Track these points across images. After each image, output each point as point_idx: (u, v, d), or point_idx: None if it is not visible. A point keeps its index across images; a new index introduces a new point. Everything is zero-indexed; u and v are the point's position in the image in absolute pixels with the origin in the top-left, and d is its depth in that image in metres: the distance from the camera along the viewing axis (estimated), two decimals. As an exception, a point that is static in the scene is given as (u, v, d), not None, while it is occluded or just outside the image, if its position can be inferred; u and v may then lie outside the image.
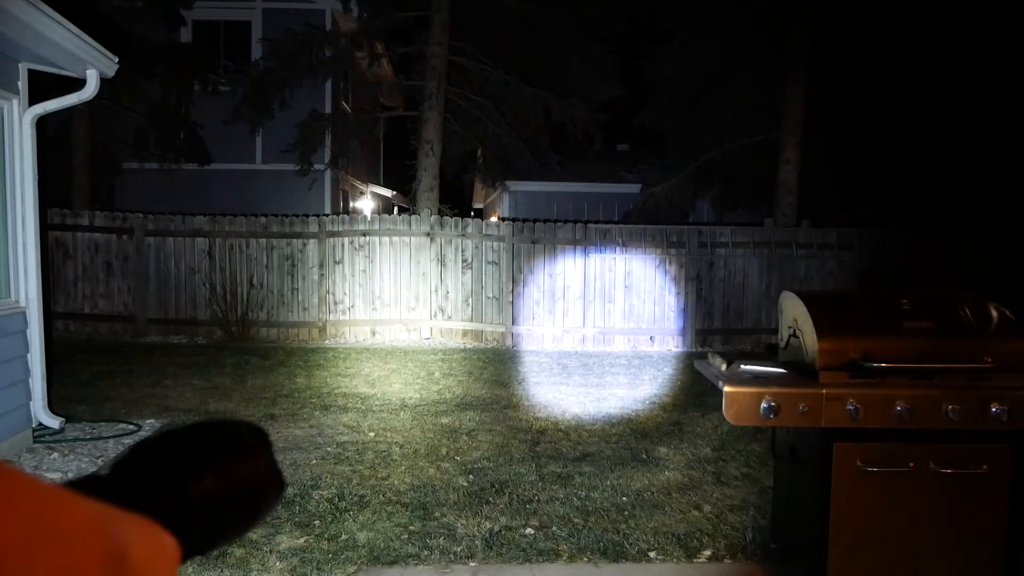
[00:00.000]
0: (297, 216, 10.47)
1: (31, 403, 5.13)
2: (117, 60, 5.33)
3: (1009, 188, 11.30)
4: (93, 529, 0.43)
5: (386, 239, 10.26)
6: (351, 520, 3.77)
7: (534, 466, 4.72)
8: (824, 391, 2.53)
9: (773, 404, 2.52)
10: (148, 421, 5.70)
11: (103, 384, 6.98)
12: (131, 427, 5.50)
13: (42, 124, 5.44)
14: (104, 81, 5.32)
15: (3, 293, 4.97)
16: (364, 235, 10.23)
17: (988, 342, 2.60)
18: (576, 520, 3.83)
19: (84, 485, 0.51)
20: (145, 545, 0.47)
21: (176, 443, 0.58)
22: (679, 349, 9.97)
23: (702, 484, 4.42)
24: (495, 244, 10.10)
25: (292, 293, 10.17)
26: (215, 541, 0.57)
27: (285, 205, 13.08)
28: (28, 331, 5.13)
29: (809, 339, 2.66)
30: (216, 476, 0.56)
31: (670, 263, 10.13)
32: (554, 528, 3.73)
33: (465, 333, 10.23)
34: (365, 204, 18.96)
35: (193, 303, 10.11)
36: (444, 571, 3.27)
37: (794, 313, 2.83)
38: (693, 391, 7.01)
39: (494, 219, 15.54)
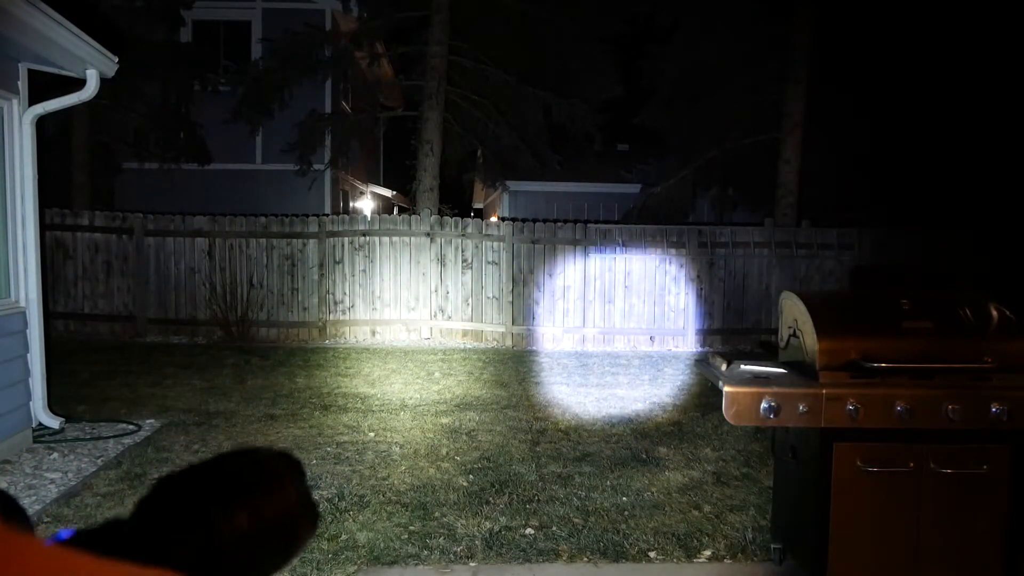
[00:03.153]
0: (297, 216, 10.47)
1: (31, 403, 5.13)
2: (117, 60, 5.33)
3: (1008, 188, 11.29)
4: None
5: (386, 239, 10.26)
6: (351, 520, 3.77)
7: (534, 466, 4.72)
8: (824, 391, 2.53)
9: (773, 404, 2.52)
10: (148, 421, 5.70)
11: (103, 384, 6.98)
12: (131, 427, 5.50)
13: (42, 124, 5.44)
14: (104, 81, 5.32)
15: (3, 293, 4.97)
16: (364, 235, 10.23)
17: (988, 342, 2.60)
18: (576, 520, 3.83)
19: (106, 533, 0.49)
20: None
21: (205, 478, 0.54)
22: (679, 349, 9.96)
23: (702, 484, 4.41)
24: (495, 244, 10.10)
25: (292, 293, 10.17)
26: None
27: (285, 205, 13.08)
28: (28, 331, 5.13)
29: (809, 339, 2.66)
30: (249, 513, 0.52)
31: (670, 263, 10.13)
32: (554, 528, 3.73)
33: (465, 333, 10.23)
34: (365, 204, 18.96)
35: (193, 303, 10.10)
36: (444, 571, 3.27)
37: (794, 313, 2.83)
38: (693, 391, 7.01)
39: (494, 219, 15.55)
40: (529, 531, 3.68)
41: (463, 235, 10.22)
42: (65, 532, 0.48)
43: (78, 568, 0.41)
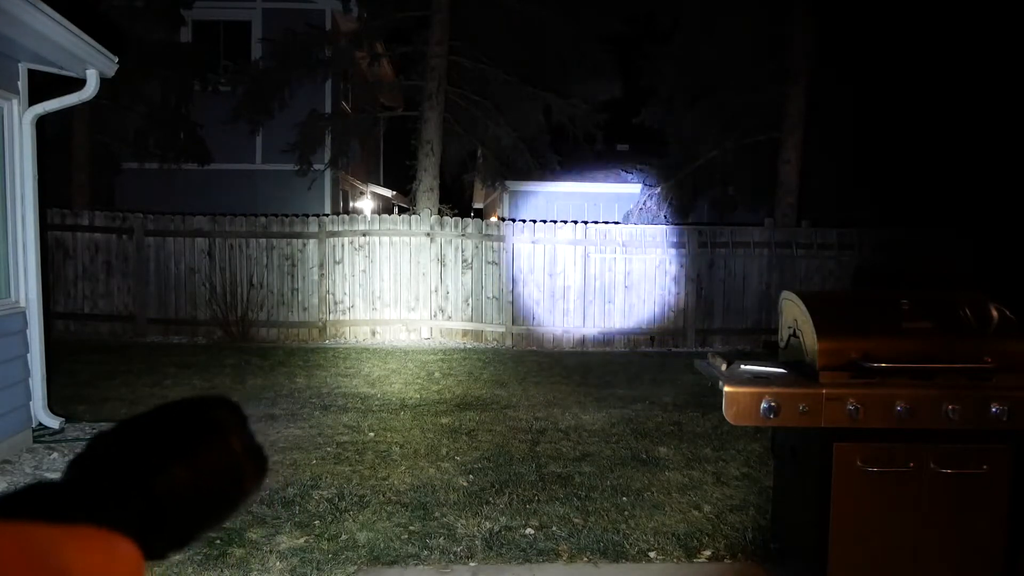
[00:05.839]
0: (297, 216, 10.47)
1: (31, 403, 5.13)
2: (117, 60, 5.33)
3: (1008, 189, 11.29)
4: (19, 559, 0.39)
5: (386, 239, 10.26)
6: (351, 520, 3.77)
7: (534, 466, 4.72)
8: (824, 391, 2.53)
9: (773, 404, 2.52)
10: (148, 421, 5.69)
11: (103, 384, 6.98)
12: (131, 427, 5.50)
13: (42, 124, 5.44)
14: (104, 81, 5.32)
15: (3, 293, 4.97)
16: (364, 235, 10.23)
17: (988, 342, 2.60)
18: (576, 520, 3.83)
19: (30, 496, 0.47)
20: (91, 561, 0.43)
21: (139, 433, 0.52)
22: (679, 349, 9.96)
23: (702, 484, 4.41)
24: (495, 244, 10.10)
25: (292, 293, 10.17)
26: (193, 534, 0.51)
27: (285, 205, 13.07)
28: (28, 331, 5.13)
29: (809, 339, 2.66)
30: (186, 465, 0.50)
31: (670, 263, 10.13)
32: (554, 528, 3.73)
33: (465, 333, 10.23)
34: (365, 204, 18.95)
35: (193, 303, 10.10)
36: (444, 571, 3.27)
37: (794, 313, 2.83)
38: (693, 391, 7.00)
39: (494, 219, 15.54)
40: (529, 531, 3.68)
41: (463, 235, 10.22)
42: None
43: None
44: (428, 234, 10.25)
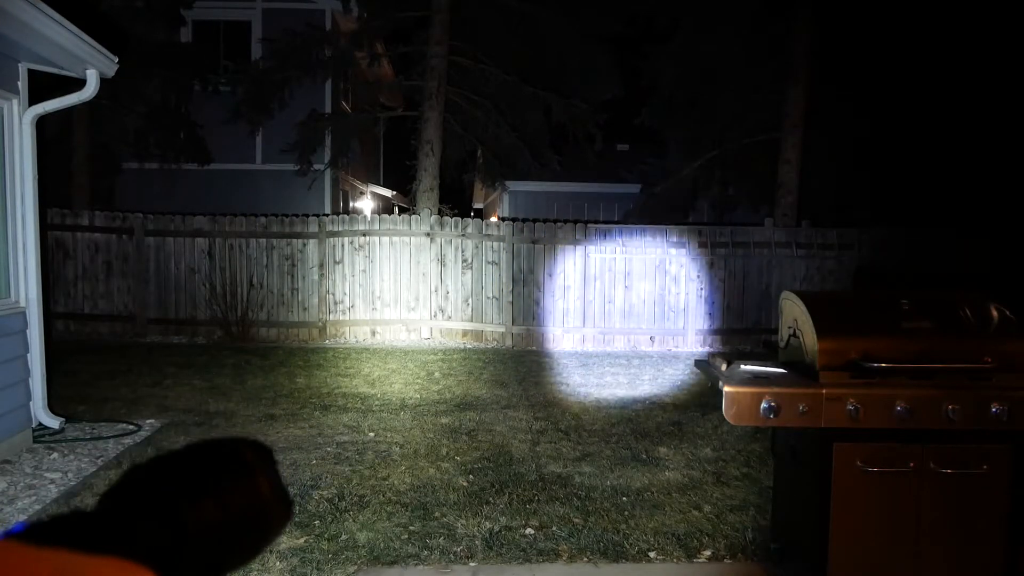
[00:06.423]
0: (297, 216, 10.47)
1: (31, 403, 5.13)
2: (117, 60, 5.33)
3: (1008, 188, 11.29)
4: None
5: (386, 239, 10.26)
6: (351, 520, 3.77)
7: (534, 466, 4.72)
8: (824, 391, 2.53)
9: (773, 404, 2.52)
10: (148, 421, 5.70)
11: (103, 384, 6.98)
12: (131, 427, 5.50)
13: (42, 124, 5.44)
14: (104, 81, 5.32)
15: (3, 293, 4.97)
16: (364, 235, 10.23)
17: (988, 342, 2.60)
18: (576, 520, 3.83)
19: (63, 524, 0.48)
20: None
21: (171, 468, 0.54)
22: (679, 349, 9.97)
23: (702, 484, 4.41)
24: (495, 244, 10.10)
25: (292, 293, 10.17)
26: (218, 570, 0.53)
27: (285, 205, 13.09)
28: (28, 331, 5.13)
29: (809, 339, 2.66)
30: (215, 502, 0.52)
31: (670, 263, 10.13)
32: (554, 528, 3.73)
33: (465, 333, 10.23)
34: (365, 204, 18.96)
35: (193, 303, 10.11)
36: (444, 571, 3.27)
37: (794, 313, 2.83)
38: (693, 391, 7.01)
39: (494, 219, 15.55)
40: (529, 531, 3.68)
41: (463, 235, 10.22)
42: (17, 526, 0.48)
43: (15, 559, 0.40)
44: (428, 234, 10.25)
